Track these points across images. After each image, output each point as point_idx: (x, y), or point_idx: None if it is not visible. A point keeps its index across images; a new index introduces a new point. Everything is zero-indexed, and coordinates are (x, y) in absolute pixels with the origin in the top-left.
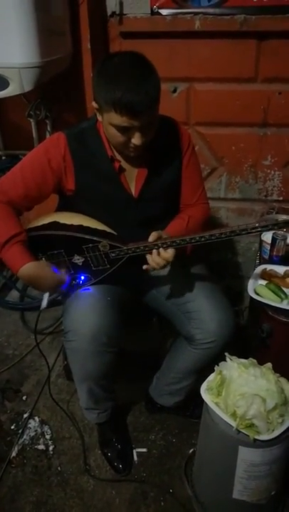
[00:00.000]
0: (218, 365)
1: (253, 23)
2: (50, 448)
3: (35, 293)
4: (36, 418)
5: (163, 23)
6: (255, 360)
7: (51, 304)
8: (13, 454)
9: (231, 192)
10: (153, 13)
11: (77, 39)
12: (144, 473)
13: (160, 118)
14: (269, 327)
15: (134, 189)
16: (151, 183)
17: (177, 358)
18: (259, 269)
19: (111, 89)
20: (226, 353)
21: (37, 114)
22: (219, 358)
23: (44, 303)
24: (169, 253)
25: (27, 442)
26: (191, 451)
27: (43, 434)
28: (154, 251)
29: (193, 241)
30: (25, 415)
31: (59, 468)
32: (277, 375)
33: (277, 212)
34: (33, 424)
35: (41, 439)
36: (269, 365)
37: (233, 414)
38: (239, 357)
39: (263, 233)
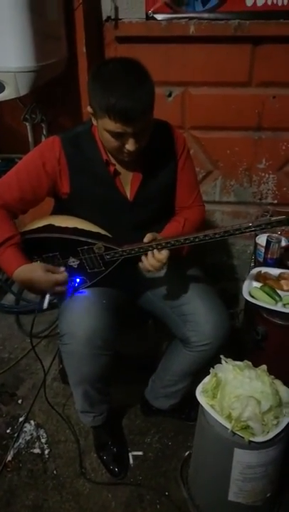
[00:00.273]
0: (213, 368)
1: (247, 28)
2: (46, 451)
3: (31, 296)
4: (32, 422)
5: (158, 28)
6: (250, 363)
7: (48, 306)
8: (9, 457)
9: (226, 195)
10: (148, 17)
11: (72, 43)
12: (140, 476)
13: (155, 122)
14: (264, 329)
15: (129, 192)
16: (146, 186)
17: (173, 361)
18: (254, 271)
19: (105, 95)
20: (221, 356)
21: (32, 117)
22: (214, 361)
23: (45, 304)
24: (162, 254)
25: (22, 446)
26: (186, 453)
27: (38, 437)
28: (149, 253)
29: (187, 242)
30: (20, 419)
31: (55, 471)
32: (272, 377)
33: (271, 215)
34: (29, 427)
35: (37, 443)
36: (264, 367)
37: (229, 417)
38: (234, 359)
39: (258, 236)
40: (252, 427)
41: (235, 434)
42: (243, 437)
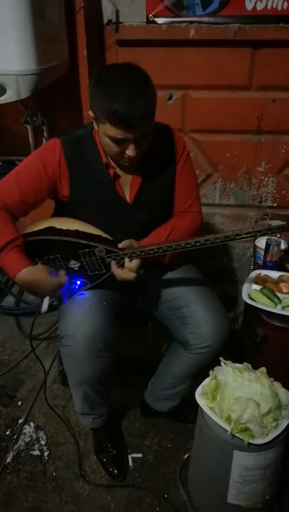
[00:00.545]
0: (213, 370)
1: (247, 32)
2: (46, 453)
3: (31, 298)
4: (31, 423)
5: (158, 32)
6: (249, 365)
7: (48, 308)
8: (8, 459)
9: (226, 198)
10: (149, 21)
11: (73, 46)
12: (140, 479)
13: (156, 125)
14: (263, 332)
15: (128, 195)
16: (146, 189)
17: (172, 363)
18: (253, 274)
19: (107, 101)
20: (221, 358)
21: (34, 120)
22: (214, 363)
23: (45, 306)
24: (133, 263)
25: (22, 448)
26: (186, 456)
27: (38, 439)
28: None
29: (188, 246)
30: (20, 421)
31: (54, 473)
32: (272, 379)
33: (271, 218)
34: (28, 429)
35: (36, 445)
36: (263, 369)
37: (228, 419)
38: (234, 361)
39: (257, 239)
40: (251, 429)
41: (234, 436)
42: (242, 439)
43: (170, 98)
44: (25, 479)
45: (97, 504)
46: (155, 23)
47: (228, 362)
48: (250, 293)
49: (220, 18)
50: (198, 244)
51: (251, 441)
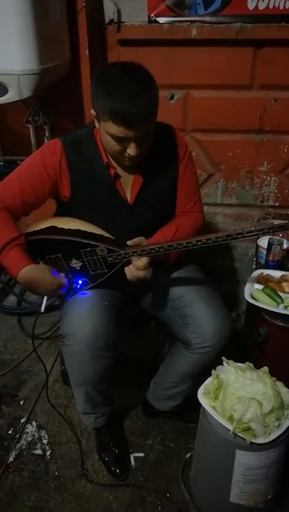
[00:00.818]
0: (215, 369)
1: (249, 32)
2: (48, 453)
3: (33, 298)
4: (33, 423)
5: (160, 31)
6: (251, 364)
7: (50, 308)
8: (11, 458)
9: (228, 198)
10: (150, 21)
11: (75, 46)
12: (142, 478)
13: (157, 125)
14: (265, 331)
15: (129, 195)
16: (147, 189)
17: (174, 363)
18: (255, 273)
19: (109, 99)
20: (223, 357)
21: (35, 120)
22: (216, 362)
23: (43, 307)
24: (142, 261)
25: (24, 447)
26: (188, 455)
27: (40, 438)
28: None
29: (189, 245)
30: (22, 420)
31: (56, 472)
32: (274, 378)
33: (273, 218)
34: (31, 428)
35: (38, 444)
36: (265, 368)
37: (230, 418)
38: (236, 361)
39: (260, 239)
40: (253, 429)
41: (236, 435)
42: (244, 439)
43: (172, 98)
44: (27, 478)
45: (99, 503)
46: (157, 22)
47: (231, 361)
48: (253, 292)
49: (222, 17)
50: (199, 243)
51: (253, 440)
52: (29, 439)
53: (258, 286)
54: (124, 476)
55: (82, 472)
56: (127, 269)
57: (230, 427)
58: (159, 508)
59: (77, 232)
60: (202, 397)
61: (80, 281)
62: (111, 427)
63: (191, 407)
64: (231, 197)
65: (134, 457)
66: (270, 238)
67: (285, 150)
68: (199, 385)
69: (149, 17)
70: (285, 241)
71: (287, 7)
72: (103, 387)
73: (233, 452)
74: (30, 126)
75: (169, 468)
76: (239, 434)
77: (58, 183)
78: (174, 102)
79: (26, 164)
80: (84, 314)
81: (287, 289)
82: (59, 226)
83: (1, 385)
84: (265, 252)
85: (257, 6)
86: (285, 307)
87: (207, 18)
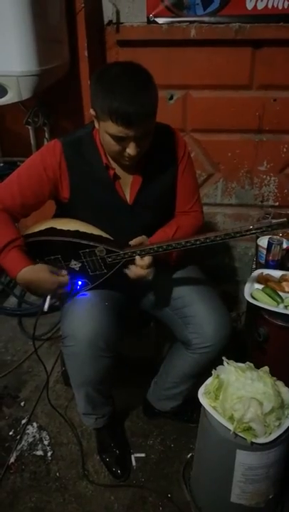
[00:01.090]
0: (215, 369)
1: (247, 32)
2: (49, 454)
3: (33, 299)
4: (34, 424)
5: (159, 32)
6: (252, 364)
7: (50, 308)
8: (12, 459)
9: (227, 197)
10: (149, 21)
11: (74, 47)
12: (143, 478)
13: (156, 125)
14: (265, 331)
15: (128, 196)
16: (146, 190)
17: (174, 363)
18: (255, 273)
19: (108, 98)
20: (223, 357)
21: (35, 121)
22: (216, 362)
23: (46, 306)
24: (145, 261)
25: (25, 448)
26: (189, 455)
27: (41, 439)
28: (138, 259)
29: (188, 244)
30: (23, 421)
31: (57, 473)
32: (274, 378)
33: (273, 218)
34: (31, 430)
35: (39, 445)
36: (266, 368)
37: (231, 418)
38: (236, 361)
39: (259, 238)
40: (254, 429)
41: (237, 435)
42: (245, 439)
43: (171, 98)
44: (28, 479)
45: (101, 504)
46: (156, 23)
47: (231, 361)
48: (253, 292)
49: (220, 17)
50: (198, 242)
51: (254, 440)
52: (30, 440)
53: (258, 286)
54: (125, 477)
55: (83, 473)
56: (131, 267)
57: (230, 426)
58: (160, 508)
59: (76, 233)
60: (202, 397)
61: (80, 282)
62: (112, 428)
63: (191, 407)
64: (231, 197)
65: (135, 457)
66: (270, 238)
67: (285, 150)
68: (200, 385)
69: (147, 18)
70: (284, 240)
71: (285, 7)
72: (103, 387)
73: (234, 452)
74: (29, 127)
75: (170, 468)
76: (240, 434)
77: (57, 185)
78: (173, 102)
79: (26, 165)
80: (84, 315)
81: (287, 289)
82: (58, 227)
83: (1, 386)
84: (265, 251)
85: (255, 6)
86: (285, 307)
87: (206, 19)
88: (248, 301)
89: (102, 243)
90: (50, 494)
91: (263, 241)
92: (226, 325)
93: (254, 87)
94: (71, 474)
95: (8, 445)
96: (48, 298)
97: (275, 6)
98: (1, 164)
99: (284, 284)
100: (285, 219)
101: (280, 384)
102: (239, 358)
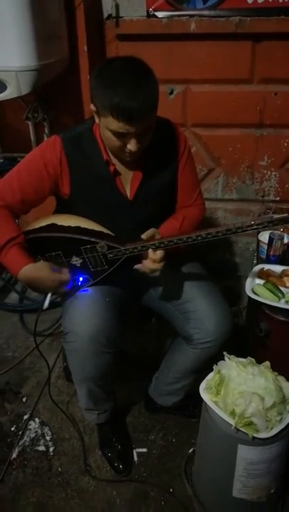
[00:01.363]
0: (216, 365)
1: (248, 25)
2: (51, 449)
3: (34, 295)
4: (36, 419)
5: (159, 26)
6: (253, 359)
7: (52, 304)
8: (14, 455)
9: (228, 193)
10: (149, 15)
11: (73, 42)
12: (145, 473)
13: (157, 120)
14: (267, 326)
15: (129, 192)
16: (146, 185)
17: (176, 358)
18: (256, 268)
19: (109, 94)
20: (225, 352)
21: (34, 116)
22: (218, 358)
23: (46, 303)
24: (157, 255)
25: (27, 444)
26: (190, 450)
27: (43, 435)
28: (146, 255)
29: (190, 240)
30: (25, 417)
31: (59, 469)
32: (276, 373)
33: (274, 213)
34: (33, 425)
35: (41, 441)
36: (267, 363)
37: (232, 413)
38: (238, 356)
39: (260, 233)
40: (256, 424)
41: (238, 430)
42: (246, 434)
43: (171, 93)
44: (30, 475)
45: (103, 499)
46: (155, 16)
47: (232, 356)
48: (254, 287)
49: (220, 11)
50: (199, 238)
51: (256, 435)
52: (32, 435)
53: (259, 281)
54: (127, 472)
55: (86, 468)
56: (144, 261)
57: (232, 421)
58: (162, 503)
59: (77, 229)
60: (204, 392)
61: (81, 278)
62: (113, 423)
63: (193, 402)
64: (232, 192)
65: (137, 453)
66: (271, 233)
67: (286, 144)
68: (201, 380)
69: (147, 11)
70: (286, 235)
71: (286, 0)
72: (105, 383)
73: (236, 447)
74: (29, 122)
75: (172, 463)
76: (241, 428)
77: (58, 181)
78: (174, 97)
79: (26, 161)
80: (85, 311)
81: (288, 284)
82: (59, 223)
83: (3, 382)
84: (266, 246)
85: None
86: (287, 302)
87: (206, 12)
88: (249, 297)
89: (104, 239)
90: (53, 489)
91: (264, 236)
92: (227, 320)
93: (255, 81)
94: (73, 469)
95: (10, 441)
96: (49, 295)
97: None
98: (1, 160)
99: (285, 279)
100: (286, 214)
101: (281, 379)
102: (240, 353)
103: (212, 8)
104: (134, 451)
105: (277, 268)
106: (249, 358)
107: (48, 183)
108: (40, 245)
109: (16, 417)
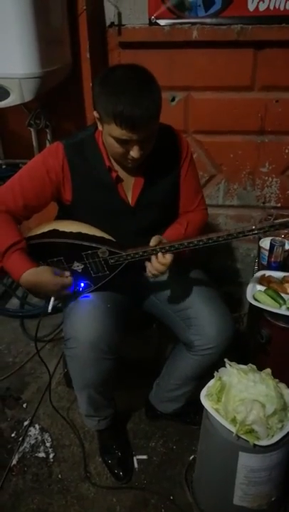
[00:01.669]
0: (217, 371)
1: (249, 33)
2: (51, 455)
3: (35, 300)
4: (36, 426)
5: (161, 34)
6: (254, 366)
7: (53, 310)
8: (14, 461)
9: (230, 199)
10: (151, 23)
11: (76, 49)
12: (145, 481)
13: (159, 126)
14: (268, 333)
15: (131, 198)
16: (148, 191)
17: (177, 365)
18: (258, 275)
19: (113, 101)
20: (226, 359)
21: (37, 123)
22: (219, 364)
23: (50, 307)
24: (167, 259)
25: (27, 450)
26: (191, 457)
27: (43, 441)
28: (153, 257)
29: (191, 245)
30: (25, 423)
31: (59, 475)
32: (277, 380)
33: (275, 219)
34: (34, 431)
35: (42, 447)
36: (268, 370)
37: (233, 420)
38: (238, 363)
39: (262, 240)
40: (256, 431)
41: (239, 437)
42: (247, 441)
43: (173, 100)
44: (30, 481)
45: (103, 506)
46: (157, 24)
47: (233, 363)
48: (255, 294)
49: (222, 19)
50: (201, 243)
51: (257, 442)
52: (32, 441)
53: (260, 288)
54: (128, 479)
55: (86, 475)
56: (153, 262)
57: (233, 429)
58: (163, 510)
59: (79, 235)
60: (205, 399)
61: (83, 284)
62: (114, 430)
63: (194, 409)
64: (233, 198)
65: (138, 459)
66: (272, 239)
67: (287, 151)
68: (202, 387)
69: (149, 19)
70: (287, 242)
71: (287, 8)
72: (105, 389)
73: (236, 454)
74: (32, 129)
75: (173, 470)
76: (242, 436)
77: (60, 187)
78: (175, 104)
79: (28, 167)
80: (86, 317)
81: None
82: (60, 229)
83: (4, 387)
84: (267, 253)
85: (257, 7)
86: (288, 308)
87: (208, 20)
88: (250, 303)
89: (105, 245)
90: (52, 496)
91: (265, 242)
92: (228, 327)
93: (256, 88)
94: (73, 476)
95: (10, 447)
96: (52, 299)
97: (277, 7)
98: (4, 166)
99: (286, 285)
100: (287, 219)
101: (282, 386)
102: (241, 360)
103: (214, 16)
104: (134, 458)
105: (279, 274)
106: (250, 364)
107: (50, 189)
108: (42, 251)
109: (16, 423)
